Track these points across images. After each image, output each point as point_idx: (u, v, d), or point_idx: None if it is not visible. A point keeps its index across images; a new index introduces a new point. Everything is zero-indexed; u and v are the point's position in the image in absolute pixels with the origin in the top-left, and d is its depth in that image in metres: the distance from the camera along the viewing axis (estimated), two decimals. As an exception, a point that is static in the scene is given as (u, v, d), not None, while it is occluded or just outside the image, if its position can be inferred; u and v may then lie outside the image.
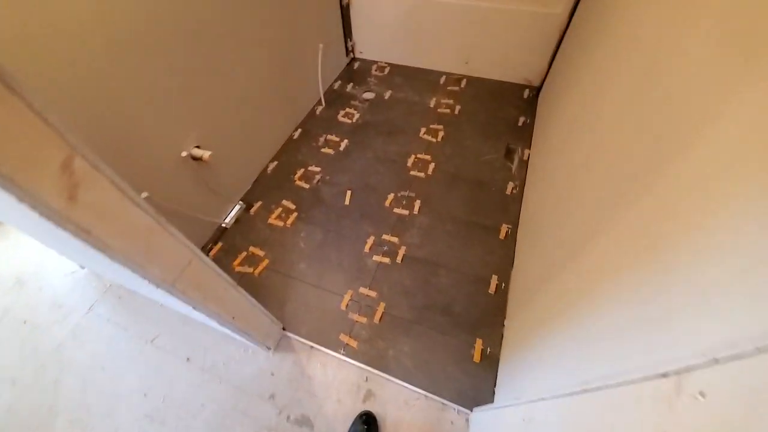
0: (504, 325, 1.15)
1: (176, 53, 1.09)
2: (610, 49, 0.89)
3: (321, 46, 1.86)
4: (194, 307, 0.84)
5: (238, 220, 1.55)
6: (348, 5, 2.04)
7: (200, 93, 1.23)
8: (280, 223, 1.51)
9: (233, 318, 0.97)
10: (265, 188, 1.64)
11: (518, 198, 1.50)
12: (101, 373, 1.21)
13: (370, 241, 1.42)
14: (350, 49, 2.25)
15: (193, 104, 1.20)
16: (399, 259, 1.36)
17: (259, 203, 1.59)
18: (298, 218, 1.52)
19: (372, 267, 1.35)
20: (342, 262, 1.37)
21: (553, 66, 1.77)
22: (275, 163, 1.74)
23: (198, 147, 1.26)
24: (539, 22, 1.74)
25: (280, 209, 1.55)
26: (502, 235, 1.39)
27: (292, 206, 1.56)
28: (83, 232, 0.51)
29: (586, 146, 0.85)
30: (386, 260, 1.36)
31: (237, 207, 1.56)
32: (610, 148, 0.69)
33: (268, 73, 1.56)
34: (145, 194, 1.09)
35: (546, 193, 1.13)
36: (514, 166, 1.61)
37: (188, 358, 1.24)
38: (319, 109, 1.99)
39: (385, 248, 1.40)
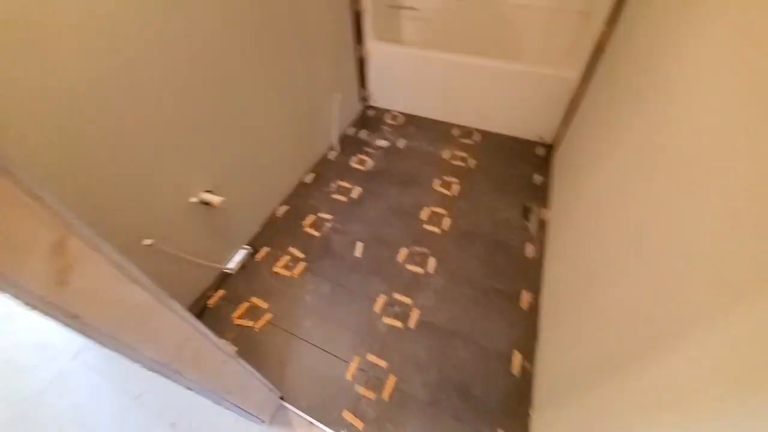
0: (530, 416, 1.03)
1: (192, 99, 1.07)
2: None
3: (338, 96, 1.89)
4: (188, 387, 0.73)
5: (243, 266, 1.46)
6: (364, 58, 2.10)
7: (213, 137, 1.19)
8: (287, 273, 1.42)
9: (229, 393, 0.86)
10: (273, 233, 1.57)
11: (539, 263, 1.43)
12: (80, 428, 1.07)
13: (381, 300, 1.32)
14: (365, 97, 2.29)
15: (205, 149, 1.17)
16: (412, 323, 1.26)
17: (266, 249, 1.51)
18: (306, 268, 1.44)
19: (382, 330, 1.25)
20: (350, 322, 1.27)
21: (569, 127, 1.79)
22: (286, 207, 1.68)
23: (209, 192, 1.20)
24: (552, 84, 1.78)
25: (287, 257, 1.47)
26: (523, 304, 1.30)
27: (301, 255, 1.48)
28: (70, 318, 0.43)
29: (630, 222, 0.80)
30: (398, 324, 1.26)
31: (243, 252, 1.48)
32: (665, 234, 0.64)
33: (284, 119, 1.55)
34: (148, 241, 1.02)
35: (573, 267, 1.06)
36: (532, 227, 1.56)
37: (173, 424, 1.10)
38: (333, 154, 1.98)
39: (397, 309, 1.30)
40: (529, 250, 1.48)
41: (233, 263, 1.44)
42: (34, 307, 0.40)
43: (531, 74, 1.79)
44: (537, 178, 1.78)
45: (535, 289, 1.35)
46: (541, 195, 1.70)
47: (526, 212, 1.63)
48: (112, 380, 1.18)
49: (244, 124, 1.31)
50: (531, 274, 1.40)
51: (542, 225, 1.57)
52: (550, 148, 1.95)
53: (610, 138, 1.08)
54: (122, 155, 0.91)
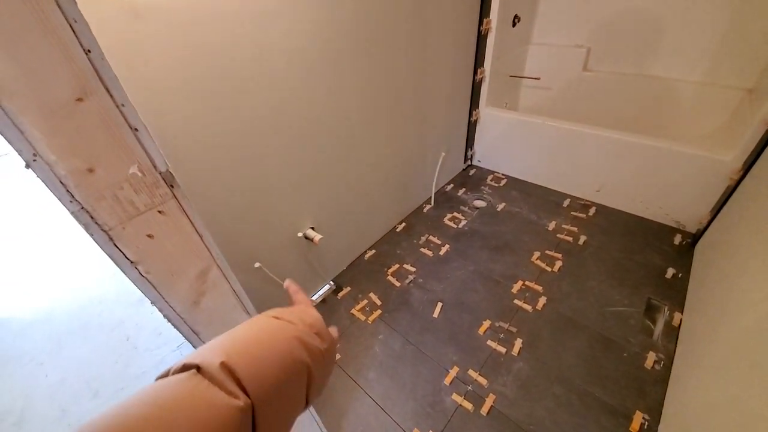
0: None
1: (316, 150, 1.26)
2: None
3: (443, 154, 1.96)
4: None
5: (324, 300, 1.55)
6: (476, 121, 2.16)
7: (327, 183, 1.36)
8: (362, 317, 1.44)
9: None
10: (357, 274, 1.64)
11: (663, 378, 1.12)
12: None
13: (453, 371, 1.21)
14: (469, 157, 2.32)
15: (318, 192, 1.33)
16: (484, 410, 1.10)
17: (348, 289, 1.57)
18: (380, 316, 1.43)
19: (449, 408, 1.12)
20: (415, 388, 1.18)
21: (719, 216, 1.45)
22: (373, 251, 1.76)
23: (312, 228, 1.35)
24: (701, 166, 1.49)
25: (365, 301, 1.50)
26: (634, 427, 1.02)
27: (378, 301, 1.50)
28: (192, 333, 0.51)
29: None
30: (468, 405, 1.11)
31: (327, 286, 1.58)
32: None
33: (389, 171, 1.67)
34: (257, 265, 1.17)
35: (713, 404, 0.79)
36: (658, 331, 1.25)
37: None
38: (427, 207, 2.02)
39: (470, 388, 1.16)
40: (651, 359, 1.17)
41: (317, 295, 1.54)
42: (169, 319, 0.49)
43: (671, 151, 1.55)
44: (671, 272, 1.46)
45: (654, 412, 1.04)
46: (676, 294, 1.37)
47: (651, 311, 1.33)
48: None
49: (354, 174, 1.47)
50: (649, 391, 1.09)
51: (671, 331, 1.24)
52: (692, 237, 1.60)
53: None
54: (257, 193, 1.11)
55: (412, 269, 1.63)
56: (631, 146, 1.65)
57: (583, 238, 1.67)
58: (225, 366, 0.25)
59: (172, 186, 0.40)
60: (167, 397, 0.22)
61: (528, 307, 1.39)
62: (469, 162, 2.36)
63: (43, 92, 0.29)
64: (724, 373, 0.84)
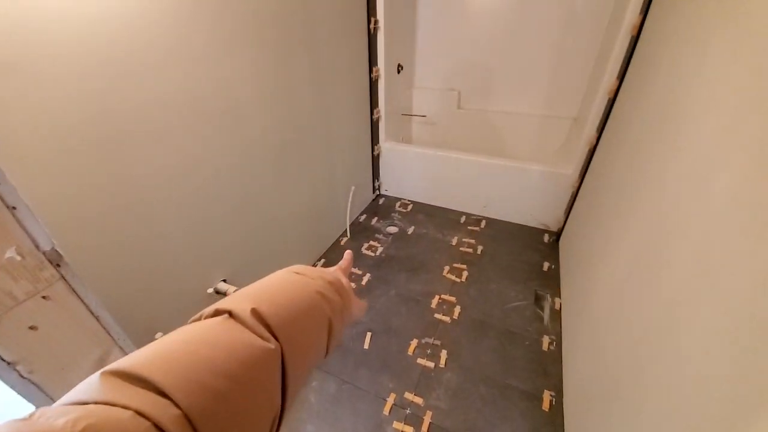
0: None
1: (221, 196, 1.20)
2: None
3: (353, 187, 2.06)
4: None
5: (245, 358, 1.41)
6: (378, 155, 2.35)
7: (236, 229, 1.29)
8: (291, 366, 1.36)
9: None
10: (280, 321, 1.55)
11: (557, 356, 1.35)
12: None
13: (391, 399, 1.23)
14: (377, 187, 2.48)
15: (226, 240, 1.25)
16: (424, 429, 1.14)
17: (272, 339, 1.47)
18: (311, 361, 1.37)
19: (392, 437, 1.13)
20: (357, 428, 1.16)
21: (571, 216, 1.86)
22: (295, 293, 1.69)
23: (224, 281, 1.25)
24: (552, 179, 1.92)
25: (292, 348, 1.43)
26: (545, 405, 1.19)
27: (307, 346, 1.43)
28: None
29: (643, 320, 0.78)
30: (409, 430, 1.14)
31: (247, 342, 1.45)
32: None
33: (301, 209, 1.67)
34: (158, 334, 1.02)
35: (594, 365, 1.00)
36: (546, 317, 1.51)
37: None
38: (344, 240, 2.06)
39: (408, 411, 1.20)
40: (546, 342, 1.40)
41: (238, 353, 1.40)
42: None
43: (530, 170, 1.95)
44: (547, 265, 1.79)
45: (557, 388, 1.24)
46: (553, 284, 1.69)
47: (539, 300, 1.60)
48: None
49: (265, 218, 1.42)
50: (551, 371, 1.30)
51: (556, 315, 1.52)
52: (555, 235, 2.01)
53: (614, 228, 1.13)
54: (157, 256, 0.99)
55: (337, 304, 1.62)
56: (500, 168, 2.02)
57: (480, 248, 1.93)
58: (256, 312, 0.26)
59: (59, 265, 0.35)
60: (223, 338, 0.24)
61: (446, 319, 1.52)
62: (377, 192, 2.52)
63: None
64: (593, 341, 1.07)
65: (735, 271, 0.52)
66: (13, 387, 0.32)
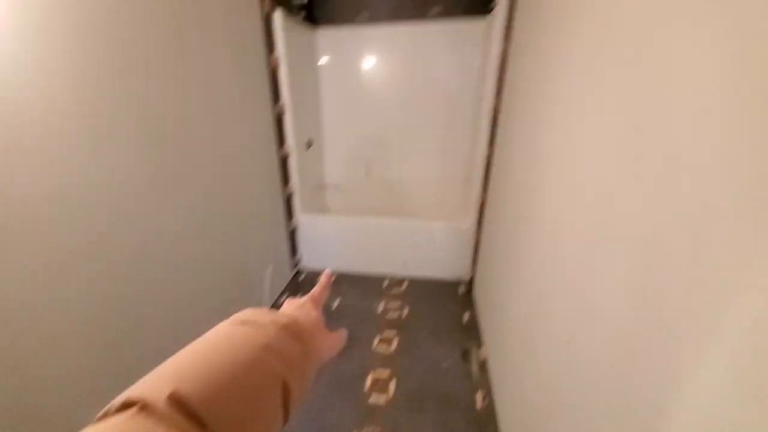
0: None
1: (124, 298, 1.02)
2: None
3: (270, 268, 1.96)
4: None
5: None
6: (295, 229, 2.32)
7: (128, 334, 1.08)
8: None
9: None
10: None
11: (492, 411, 1.38)
12: None
13: None
14: (296, 263, 2.40)
15: (124, 357, 1.04)
16: None
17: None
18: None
19: None
20: None
21: (478, 264, 2.06)
22: (207, 409, 1.44)
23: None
24: (455, 233, 2.13)
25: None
26: (489, 472, 1.18)
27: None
28: None
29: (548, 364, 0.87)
30: None
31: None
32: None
33: (209, 305, 1.51)
34: None
35: (523, 409, 1.06)
36: (475, 370, 1.57)
37: None
38: (265, 328, 1.89)
39: None
40: (479, 398, 1.44)
41: None
42: None
43: (435, 227, 2.14)
44: (465, 316, 1.90)
45: (497, 448, 1.25)
46: (474, 334, 1.78)
47: (465, 354, 1.66)
48: None
49: (166, 320, 1.23)
50: (488, 429, 1.32)
51: (483, 366, 1.59)
52: (468, 285, 2.17)
53: (512, 271, 1.28)
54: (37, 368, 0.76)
55: (261, 411, 1.42)
56: (410, 227, 2.18)
57: (406, 310, 1.97)
58: (174, 398, 0.21)
59: None
60: None
61: (382, 400, 1.45)
62: (298, 267, 2.43)
63: None
64: (520, 393, 1.14)
65: (616, 311, 0.63)
66: None
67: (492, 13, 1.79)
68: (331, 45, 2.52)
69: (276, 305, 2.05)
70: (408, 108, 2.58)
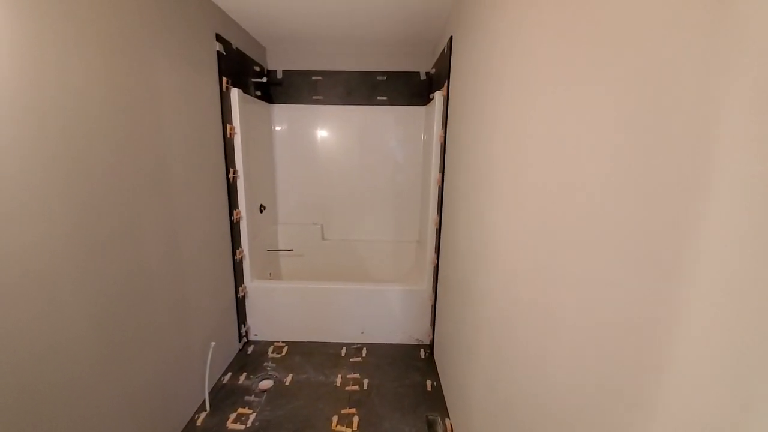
0: None
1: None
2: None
3: (213, 343, 1.76)
4: None
5: None
6: (243, 297, 2.16)
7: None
8: None
9: None
10: None
11: (461, 492, 1.28)
12: None
13: None
14: (243, 334, 2.19)
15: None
16: None
17: None
18: None
19: None
20: None
21: (436, 327, 2.06)
22: None
23: None
24: (411, 296, 2.15)
25: None
26: None
27: None
28: None
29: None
30: None
31: None
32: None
33: (138, 391, 1.28)
34: None
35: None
36: (442, 444, 1.48)
37: None
38: (202, 416, 1.62)
39: None
40: (449, 478, 1.33)
41: None
42: None
43: (391, 290, 2.15)
44: (429, 384, 1.84)
45: None
46: (439, 402, 1.71)
47: (431, 427, 1.57)
48: None
49: (82, 412, 1.01)
50: None
51: (451, 438, 1.50)
52: (429, 348, 2.14)
53: (469, 333, 1.30)
54: None
55: None
56: (366, 291, 2.16)
57: (366, 381, 1.85)
58: None
59: None
60: None
61: (344, 490, 1.28)
62: (245, 339, 2.21)
63: None
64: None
65: (570, 377, 0.67)
66: None
67: (430, 103, 2.11)
68: (286, 117, 2.70)
69: (218, 387, 1.80)
70: (360, 175, 2.75)
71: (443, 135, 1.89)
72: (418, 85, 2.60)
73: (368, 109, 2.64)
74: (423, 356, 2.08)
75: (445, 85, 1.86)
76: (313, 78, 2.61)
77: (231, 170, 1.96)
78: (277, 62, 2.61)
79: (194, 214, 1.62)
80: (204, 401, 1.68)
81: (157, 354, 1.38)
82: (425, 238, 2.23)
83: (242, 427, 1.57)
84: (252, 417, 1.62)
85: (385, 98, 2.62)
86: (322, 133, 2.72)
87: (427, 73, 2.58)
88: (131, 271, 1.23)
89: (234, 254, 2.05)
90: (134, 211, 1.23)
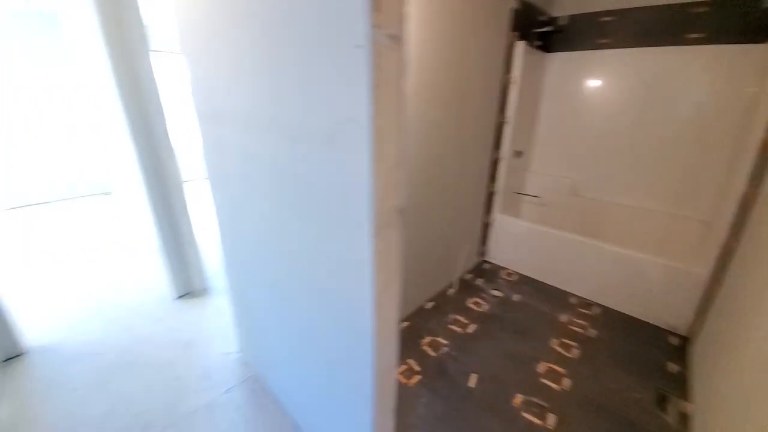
0: None
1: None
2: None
3: (468, 246, 2.31)
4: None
5: (362, 363, 1.64)
6: (490, 223, 2.59)
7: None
8: (403, 380, 1.53)
9: None
10: (393, 342, 1.77)
11: (687, 461, 1.22)
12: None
13: (496, 439, 1.28)
14: (483, 252, 2.67)
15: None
16: (531, 477, 1.15)
17: (386, 354, 1.69)
18: (420, 381, 1.53)
19: (496, 474, 1.17)
20: (461, 452, 1.24)
21: (708, 321, 1.73)
22: (407, 323, 1.92)
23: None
24: (678, 276, 1.85)
25: (404, 366, 1.61)
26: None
27: (417, 367, 1.60)
28: None
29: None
30: (514, 472, 1.17)
31: (366, 350, 1.69)
32: None
33: (424, 250, 1.98)
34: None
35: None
36: (672, 419, 1.40)
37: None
38: (451, 291, 2.26)
39: (513, 457, 1.23)
40: (673, 445, 1.29)
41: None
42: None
43: (652, 263, 1.93)
44: (672, 367, 1.66)
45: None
46: (681, 386, 1.55)
47: (662, 401, 1.48)
48: (247, 422, 1.36)
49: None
50: (680, 476, 1.18)
51: (684, 419, 1.39)
52: (684, 339, 1.85)
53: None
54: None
55: (445, 342, 1.77)
56: (618, 255, 2.03)
57: (593, 332, 1.90)
58: None
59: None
60: None
61: (555, 386, 1.52)
62: (483, 257, 2.71)
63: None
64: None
65: None
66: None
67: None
68: (560, 66, 2.64)
69: (462, 278, 2.39)
70: (641, 133, 2.38)
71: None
72: (759, 16, 1.84)
73: (670, 51, 2.16)
74: (674, 343, 1.83)
75: None
76: (603, 19, 2.38)
77: (502, 115, 2.29)
78: (564, 7, 2.53)
79: (473, 147, 2.10)
80: (453, 282, 2.31)
81: (436, 235, 2.04)
82: (719, 215, 1.79)
83: (478, 309, 2.07)
84: (485, 306, 2.10)
85: (701, 35, 2.04)
86: (595, 83, 2.51)
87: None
88: (443, 175, 1.85)
89: (489, 187, 2.47)
90: (444, 135, 1.81)
